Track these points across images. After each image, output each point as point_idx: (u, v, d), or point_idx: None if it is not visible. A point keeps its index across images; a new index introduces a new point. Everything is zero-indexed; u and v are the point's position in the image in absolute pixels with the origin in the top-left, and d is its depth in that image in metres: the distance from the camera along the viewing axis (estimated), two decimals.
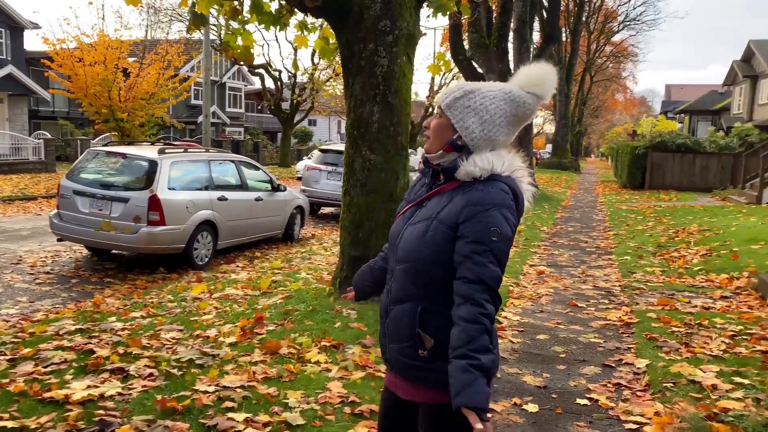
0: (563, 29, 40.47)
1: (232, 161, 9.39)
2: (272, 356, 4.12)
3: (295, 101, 32.45)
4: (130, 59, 21.92)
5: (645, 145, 21.88)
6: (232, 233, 8.89)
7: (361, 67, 5.15)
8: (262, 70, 32.64)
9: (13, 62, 27.65)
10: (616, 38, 54.43)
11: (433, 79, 49.52)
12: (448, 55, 16.38)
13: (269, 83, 33.85)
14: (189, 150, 8.78)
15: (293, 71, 32.88)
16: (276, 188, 10.11)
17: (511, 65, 16.78)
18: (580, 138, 63.92)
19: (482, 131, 1.79)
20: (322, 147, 15.21)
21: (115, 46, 20.13)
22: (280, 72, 32.59)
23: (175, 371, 3.74)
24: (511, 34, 16.80)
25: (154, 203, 7.56)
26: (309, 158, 18.96)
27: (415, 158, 39.45)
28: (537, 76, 1.82)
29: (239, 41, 5.60)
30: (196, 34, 26.67)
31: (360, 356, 4.12)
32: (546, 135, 75.30)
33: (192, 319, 5.06)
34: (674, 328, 5.06)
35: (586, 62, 48.87)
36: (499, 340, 4.75)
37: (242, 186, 9.28)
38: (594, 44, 50.31)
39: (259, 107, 45.30)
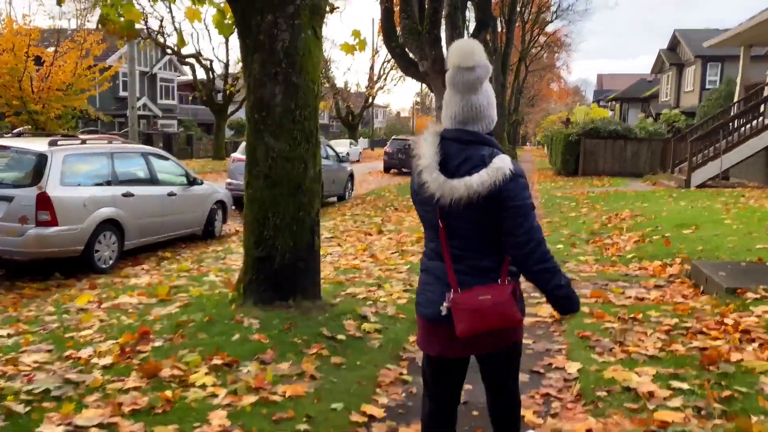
0: (498, 19, 40.63)
1: (141, 153, 8.58)
2: (150, 380, 3.49)
3: (228, 92, 31.27)
4: (47, 49, 20.41)
5: (578, 132, 22.03)
6: (141, 232, 8.12)
7: (259, 42, 4.54)
8: (192, 60, 31.29)
9: None
10: (550, 28, 55.26)
11: (372, 68, 49.17)
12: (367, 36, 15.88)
13: (201, 74, 32.56)
14: (87, 141, 7.93)
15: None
16: (192, 182, 9.37)
17: (444, 52, 16.39)
18: (517, 127, 64.77)
19: None
20: None
21: (24, 33, 18.61)
22: (211, 62, 31.35)
23: (20, 408, 3.07)
24: (443, 21, 16.39)
25: (44, 201, 6.73)
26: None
27: (355, 149, 38.70)
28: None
29: (121, 16, 4.88)
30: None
31: (255, 376, 3.55)
32: None
33: (68, 335, 4.36)
34: (608, 324, 4.71)
35: (521, 52, 49.30)
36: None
37: (152, 180, 8.50)
38: (528, 34, 50.84)
39: (192, 99, 43.57)
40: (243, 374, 3.61)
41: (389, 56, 29.84)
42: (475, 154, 2.20)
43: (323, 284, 5.62)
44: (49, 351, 4.06)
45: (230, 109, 33.20)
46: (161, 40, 29.52)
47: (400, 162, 27.94)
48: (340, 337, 4.19)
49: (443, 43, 16.35)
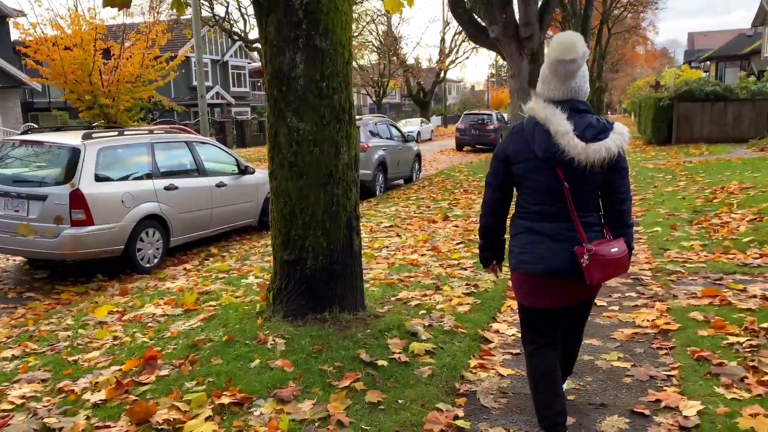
0: None
1: (185, 142, 8.03)
2: (140, 427, 2.80)
3: None
4: (114, 42, 20.59)
5: (670, 96, 20.00)
6: (187, 227, 7.59)
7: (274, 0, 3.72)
8: (259, 45, 31.10)
9: (0, 54, 26.55)
10: None
11: (442, 41, 47.57)
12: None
13: None
14: (125, 132, 7.44)
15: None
16: (244, 171, 8.76)
17: (516, 15, 15.06)
18: (600, 95, 61.31)
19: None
20: None
21: (91, 27, 18.76)
22: None
23: None
24: None
25: (77, 199, 6.27)
26: None
27: (427, 127, 37.63)
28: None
29: None
30: (188, 11, 25.19)
31: (268, 422, 2.79)
32: None
33: (73, 359, 3.77)
34: (731, 338, 3.62)
35: (602, 14, 46.23)
36: (485, 374, 3.36)
37: (198, 171, 7.94)
38: None
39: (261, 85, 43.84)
40: (253, 418, 2.85)
41: (460, 27, 28.40)
42: (593, 122, 2.45)
43: (371, 287, 4.81)
44: (44, 380, 3.47)
45: None
46: (227, 26, 29.46)
47: (473, 138, 26.65)
48: (381, 362, 3.35)
49: (515, 4, 15.02)
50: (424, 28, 72.65)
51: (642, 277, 5.24)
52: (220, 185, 8.15)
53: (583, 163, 2.37)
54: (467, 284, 4.99)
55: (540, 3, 16.05)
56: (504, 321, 4.22)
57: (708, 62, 45.81)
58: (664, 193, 9.86)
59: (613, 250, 2.43)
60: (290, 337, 3.64)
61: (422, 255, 6.26)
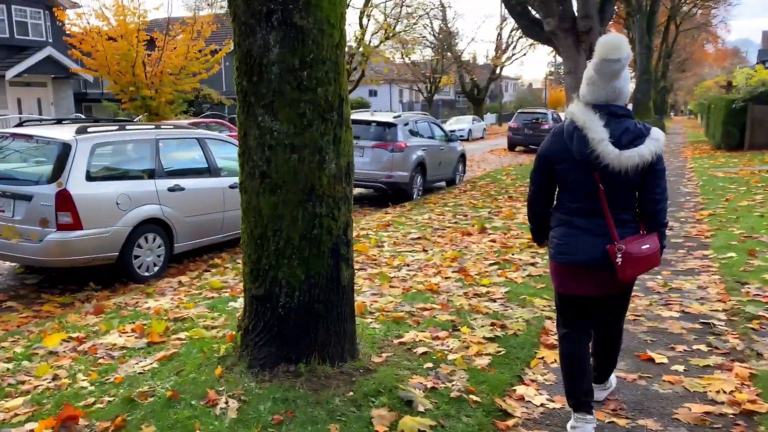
0: None
1: (196, 139, 7.35)
2: None
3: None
4: (159, 33, 20.39)
5: (744, 98, 18.27)
6: (195, 232, 6.91)
7: None
8: None
9: (54, 44, 26.89)
10: None
11: (499, 36, 46.01)
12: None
13: None
14: (127, 126, 6.81)
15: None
16: None
17: (574, 7, 13.86)
18: (665, 95, 58.42)
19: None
20: None
21: (135, 16, 18.53)
22: None
23: None
24: None
25: (64, 200, 5.65)
26: None
27: (479, 125, 36.42)
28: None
29: None
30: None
31: None
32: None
33: None
34: None
35: (670, 9, 43.79)
36: None
37: (210, 170, 7.25)
38: None
39: None
40: None
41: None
42: (630, 127, 2.57)
43: (373, 323, 3.96)
44: None
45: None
46: None
47: (526, 138, 25.37)
48: None
49: None
50: (480, 23, 70.56)
51: (714, 322, 4.20)
52: (235, 186, 7.43)
53: (617, 169, 2.50)
54: (493, 324, 4.06)
55: None
56: (533, 382, 3.29)
57: None
58: (737, 209, 8.61)
59: (644, 247, 2.57)
60: (248, 399, 2.83)
61: (446, 278, 5.36)
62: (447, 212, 9.38)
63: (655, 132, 2.56)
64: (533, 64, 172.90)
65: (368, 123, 11.90)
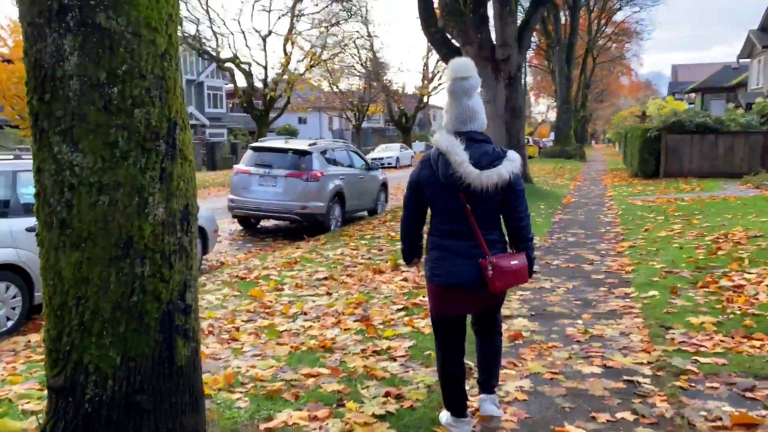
0: (561, 6, 37.30)
1: None
2: None
3: (267, 97, 29.46)
4: None
5: (658, 127, 18.75)
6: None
7: None
8: (230, 65, 29.70)
9: None
10: (619, 16, 51.13)
11: (426, 66, 46.39)
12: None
13: (244, 80, 30.84)
14: None
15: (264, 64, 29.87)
16: None
17: (492, 35, 13.75)
18: (584, 124, 60.72)
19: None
20: (254, 144, 12.23)
21: None
22: (249, 65, 29.61)
23: None
24: None
25: None
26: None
27: (406, 152, 36.25)
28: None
29: None
30: None
31: None
32: (550, 123, 72.00)
33: None
34: None
35: (587, 42, 45.63)
36: None
37: None
38: (595, 23, 47.02)
39: (233, 106, 42.45)
40: None
41: None
42: (489, 150, 2.77)
43: (240, 399, 3.21)
44: None
45: (272, 115, 31.37)
46: (196, 45, 28.07)
47: None
48: None
49: (491, 23, 13.74)
50: (405, 53, 71.40)
51: (639, 380, 3.69)
52: None
53: (479, 188, 2.70)
54: (387, 394, 3.39)
55: (519, 23, 14.78)
56: None
57: (693, 94, 45.14)
58: (657, 240, 8.39)
59: (512, 262, 2.79)
60: None
61: (346, 329, 4.67)
62: (362, 246, 8.74)
63: (512, 154, 2.77)
64: None
65: (281, 151, 11.20)
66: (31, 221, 5.65)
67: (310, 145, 11.41)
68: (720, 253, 7.09)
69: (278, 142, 11.96)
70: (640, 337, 4.50)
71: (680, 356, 4.02)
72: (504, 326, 4.82)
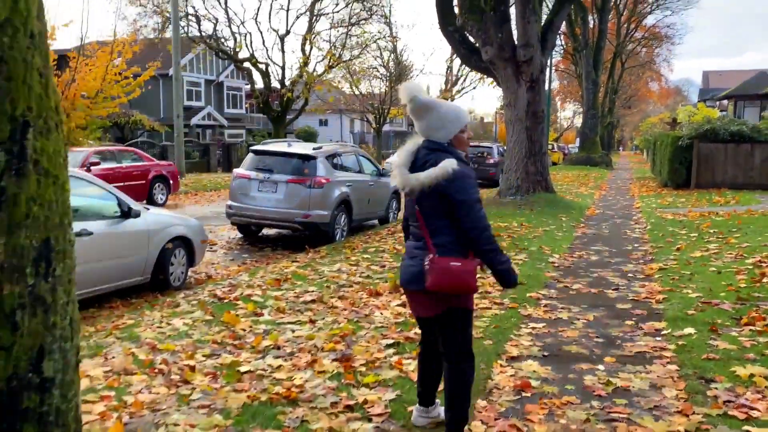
0: (589, 9, 36.21)
1: None
2: None
3: (284, 97, 28.92)
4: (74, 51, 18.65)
5: (690, 135, 17.71)
6: None
7: None
8: (248, 64, 29.23)
9: None
10: (649, 20, 49.72)
11: (449, 69, 45.47)
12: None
13: (265, 81, 30.32)
14: None
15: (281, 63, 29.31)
16: (126, 213, 6.53)
17: (514, 34, 12.93)
18: (612, 130, 59.27)
19: None
20: (255, 147, 11.56)
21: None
22: (267, 65, 29.12)
23: None
24: None
25: None
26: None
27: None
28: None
29: None
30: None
31: None
32: (576, 129, 70.64)
33: None
34: None
35: (615, 47, 44.33)
36: None
37: None
38: (624, 27, 45.71)
39: (250, 107, 42.05)
40: None
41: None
42: (433, 158, 2.85)
43: None
44: None
45: (290, 117, 30.83)
46: (213, 44, 27.65)
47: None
48: None
49: (512, 22, 12.93)
50: (428, 55, 70.60)
51: None
52: (80, 234, 5.88)
53: (407, 190, 2.85)
54: None
55: (543, 22, 13.93)
56: None
57: (726, 101, 43.56)
58: (690, 261, 7.52)
59: (453, 263, 2.77)
60: None
61: (320, 372, 3.94)
62: (363, 261, 8.00)
63: (445, 162, 2.75)
64: (485, 97, 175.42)
65: (284, 155, 10.51)
66: None
67: (314, 149, 10.72)
68: (765, 280, 6.21)
69: (280, 146, 11.27)
70: (675, 392, 3.69)
71: (727, 424, 3.21)
72: (510, 371, 4.05)
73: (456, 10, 13.48)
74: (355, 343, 4.52)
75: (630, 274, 7.09)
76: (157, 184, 15.76)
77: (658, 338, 4.75)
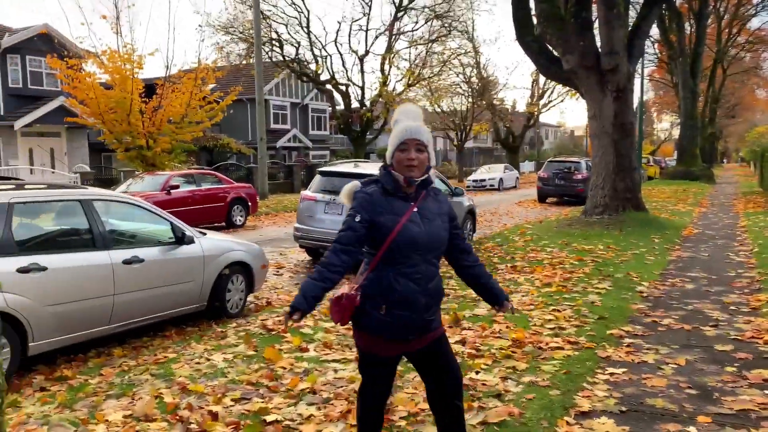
0: (685, 15, 34.05)
1: (78, 200, 5.72)
2: None
3: (364, 118, 28.94)
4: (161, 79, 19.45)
5: None
6: (64, 325, 5.22)
7: None
8: (329, 86, 29.55)
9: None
10: (754, 23, 46.27)
11: (535, 82, 44.15)
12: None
13: (345, 102, 30.59)
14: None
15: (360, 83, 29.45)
16: (180, 239, 6.38)
17: (597, 42, 12.05)
18: (713, 142, 55.50)
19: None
20: (322, 168, 11.31)
21: (125, 62, 17.58)
22: (347, 86, 29.29)
23: None
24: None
25: None
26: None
27: (511, 174, 34.41)
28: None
29: None
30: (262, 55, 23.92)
31: None
32: (675, 141, 66.73)
33: None
34: None
35: (716, 53, 41.44)
36: None
37: (94, 241, 5.59)
38: (726, 31, 42.68)
39: (341, 127, 42.64)
40: None
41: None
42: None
43: None
44: None
45: (369, 136, 30.83)
46: (296, 67, 28.17)
47: (557, 189, 23.31)
48: None
49: (596, 29, 12.08)
50: (512, 68, 69.16)
51: None
52: (131, 261, 5.75)
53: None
54: None
55: (630, 28, 12.95)
56: None
57: None
58: None
59: (336, 294, 2.68)
60: None
61: (352, 426, 3.46)
62: None
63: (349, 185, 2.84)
64: (575, 111, 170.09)
65: (350, 176, 10.18)
66: (24, 261, 4.99)
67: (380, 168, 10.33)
68: None
69: (347, 166, 10.97)
70: None
71: None
72: (578, 430, 3.40)
73: (534, 20, 12.78)
74: (400, 389, 4.01)
75: (732, 307, 6.14)
76: (235, 206, 15.95)
77: (767, 391, 3.92)
